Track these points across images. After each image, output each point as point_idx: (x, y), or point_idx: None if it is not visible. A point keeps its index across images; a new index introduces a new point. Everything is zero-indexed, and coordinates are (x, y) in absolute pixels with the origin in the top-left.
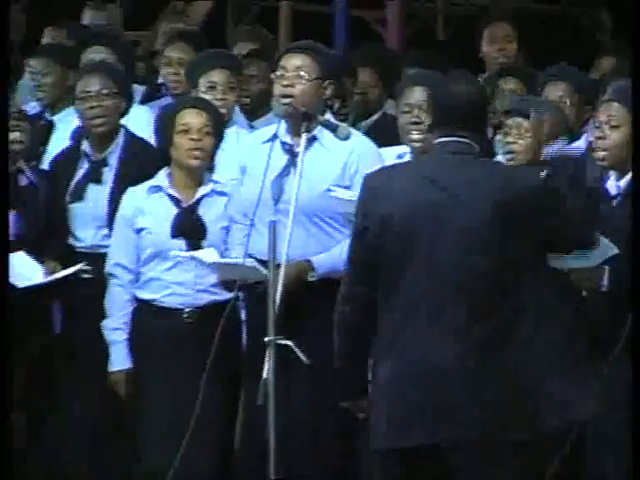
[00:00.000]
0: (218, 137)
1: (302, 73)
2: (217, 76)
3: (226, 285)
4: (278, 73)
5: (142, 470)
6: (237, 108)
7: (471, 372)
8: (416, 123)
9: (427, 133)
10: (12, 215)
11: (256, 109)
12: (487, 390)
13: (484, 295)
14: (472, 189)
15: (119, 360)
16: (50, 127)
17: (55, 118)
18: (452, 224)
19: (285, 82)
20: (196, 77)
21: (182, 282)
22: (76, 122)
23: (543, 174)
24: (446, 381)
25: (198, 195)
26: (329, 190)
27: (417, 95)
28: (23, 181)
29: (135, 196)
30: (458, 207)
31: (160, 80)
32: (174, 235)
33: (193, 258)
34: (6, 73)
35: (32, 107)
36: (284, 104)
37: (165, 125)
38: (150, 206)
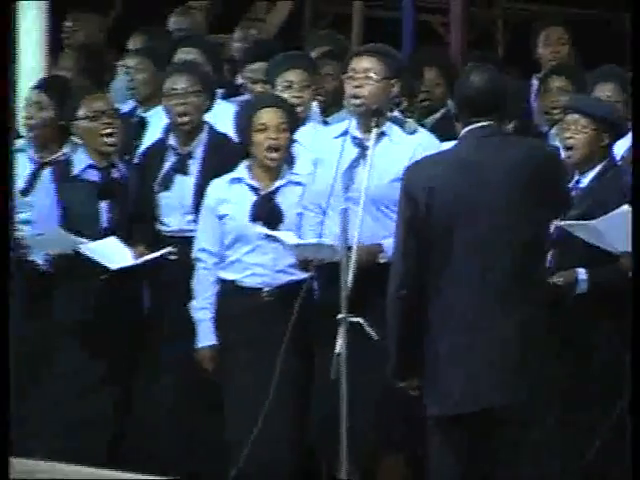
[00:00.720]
0: (293, 131)
1: (370, 74)
2: (293, 76)
3: (302, 266)
4: (348, 74)
5: (225, 439)
6: (314, 105)
7: (515, 342)
8: None
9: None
10: (104, 204)
11: (330, 106)
12: (532, 358)
13: (523, 267)
14: (499, 166)
15: (205, 337)
16: (142, 123)
17: (147, 115)
18: (486, 203)
19: (355, 83)
20: (274, 77)
21: (261, 264)
22: (165, 118)
23: None
24: (496, 351)
25: (276, 185)
26: (398, 180)
27: None
28: (115, 173)
29: (218, 187)
30: (488, 185)
31: (240, 81)
32: (253, 220)
33: (275, 238)
34: (6, 73)
35: (125, 106)
36: (355, 103)
37: (244, 123)
38: (231, 195)
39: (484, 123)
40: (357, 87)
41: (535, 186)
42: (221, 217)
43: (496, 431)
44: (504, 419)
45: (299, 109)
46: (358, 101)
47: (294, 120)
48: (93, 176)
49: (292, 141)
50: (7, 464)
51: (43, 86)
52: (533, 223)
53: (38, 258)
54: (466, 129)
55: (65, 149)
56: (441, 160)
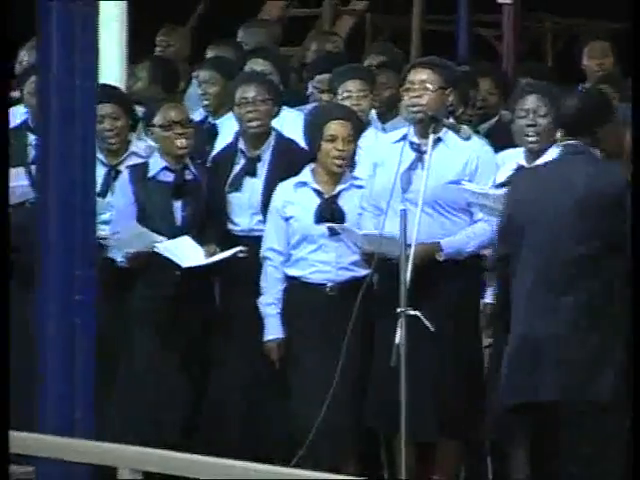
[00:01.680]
0: (357, 140)
1: (427, 85)
2: (352, 85)
3: (366, 260)
4: (407, 86)
5: (293, 422)
6: (373, 113)
7: (566, 339)
8: (531, 126)
9: (540, 135)
10: (178, 203)
11: (386, 112)
12: (579, 356)
13: (576, 276)
14: (571, 183)
15: (273, 330)
16: (213, 130)
17: (218, 122)
18: (553, 215)
19: (413, 94)
20: (336, 86)
21: (325, 261)
22: (235, 125)
23: None
24: (552, 346)
25: (338, 188)
26: (453, 183)
27: (532, 101)
28: (188, 175)
29: (284, 190)
30: (558, 200)
31: (309, 90)
32: (317, 222)
33: (339, 237)
34: (6, 74)
35: (198, 114)
36: (413, 112)
37: (314, 132)
38: (297, 198)
39: (573, 142)
40: (415, 97)
41: (596, 208)
42: (287, 219)
43: (569, 421)
44: (576, 410)
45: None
46: (416, 109)
47: (359, 131)
48: (168, 177)
49: (355, 149)
50: (7, 438)
51: (116, 97)
52: (588, 241)
53: (116, 255)
54: (557, 145)
55: (132, 148)
56: (533, 173)
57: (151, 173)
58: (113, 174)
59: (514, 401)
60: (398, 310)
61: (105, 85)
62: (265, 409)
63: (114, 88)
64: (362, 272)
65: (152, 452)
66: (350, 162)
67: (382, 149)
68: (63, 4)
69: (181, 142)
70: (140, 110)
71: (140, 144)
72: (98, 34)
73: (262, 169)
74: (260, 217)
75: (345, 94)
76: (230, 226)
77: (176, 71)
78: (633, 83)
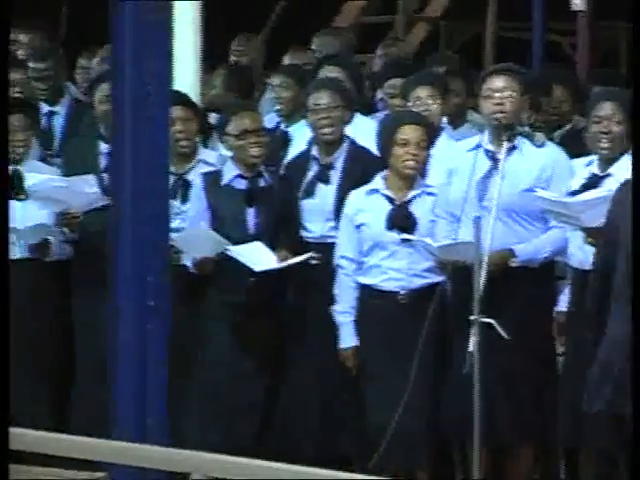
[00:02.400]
0: (430, 147)
1: (508, 92)
2: (422, 91)
3: (440, 267)
4: (486, 93)
5: (367, 428)
6: (444, 120)
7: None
8: (605, 133)
9: (614, 143)
10: (251, 210)
11: (454, 119)
12: None
13: None
14: None
15: (348, 338)
16: (286, 138)
17: (290, 129)
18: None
19: (494, 101)
20: (408, 93)
21: (397, 268)
22: (307, 132)
23: None
24: (622, 355)
25: (410, 195)
26: (528, 190)
27: (607, 108)
28: (261, 182)
29: (356, 197)
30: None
31: (379, 96)
32: (389, 228)
33: (411, 244)
34: (6, 74)
35: (271, 121)
36: (494, 119)
37: (387, 137)
38: (368, 205)
39: None
40: (497, 105)
41: None
42: (359, 226)
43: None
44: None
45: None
46: (498, 116)
47: (432, 137)
48: (241, 185)
49: (428, 156)
50: (7, 435)
51: (187, 101)
52: None
53: (188, 262)
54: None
55: (200, 156)
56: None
57: (224, 180)
58: (180, 182)
59: (603, 408)
60: (472, 318)
61: (175, 90)
62: (339, 415)
63: (184, 93)
64: (435, 279)
65: (224, 458)
66: (422, 168)
67: (456, 157)
68: (136, 10)
69: (255, 151)
70: (214, 118)
71: (211, 153)
72: (172, 40)
73: (335, 176)
74: (332, 224)
75: (416, 100)
76: (303, 233)
77: (251, 79)
78: (633, 79)
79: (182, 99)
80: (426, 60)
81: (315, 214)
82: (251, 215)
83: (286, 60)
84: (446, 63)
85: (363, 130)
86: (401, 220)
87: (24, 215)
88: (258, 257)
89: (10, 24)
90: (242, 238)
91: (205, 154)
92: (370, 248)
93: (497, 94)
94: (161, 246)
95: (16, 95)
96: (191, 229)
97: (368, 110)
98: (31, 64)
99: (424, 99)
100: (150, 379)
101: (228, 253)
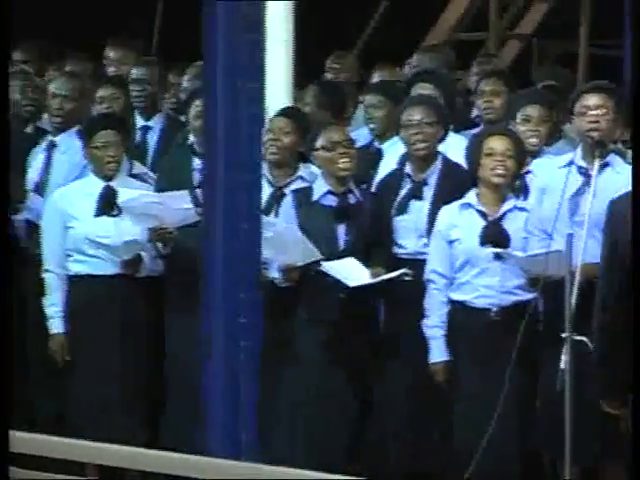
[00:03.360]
0: (521, 161)
1: (603, 110)
2: (532, 110)
3: (532, 283)
4: (580, 110)
5: (456, 444)
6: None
7: None
8: None
9: None
10: (341, 228)
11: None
12: None
13: None
14: None
15: (438, 353)
16: (378, 154)
17: (382, 146)
18: None
19: (588, 119)
20: (514, 110)
21: (489, 285)
22: (400, 149)
23: None
24: None
25: (502, 210)
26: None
27: None
28: (352, 199)
29: (449, 213)
30: None
31: (475, 113)
32: (482, 244)
33: (503, 260)
34: (6, 74)
35: (364, 137)
36: (588, 136)
37: (475, 149)
38: (461, 220)
39: None
40: (592, 122)
41: None
42: (451, 241)
43: None
44: None
45: (534, 141)
46: (595, 134)
47: (521, 149)
48: (331, 201)
49: (519, 170)
50: (7, 438)
51: (286, 113)
52: None
53: (276, 274)
54: None
55: (300, 172)
56: None
57: (315, 197)
58: (278, 194)
59: None
60: (564, 335)
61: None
62: (428, 430)
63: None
64: (526, 296)
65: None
66: (510, 179)
67: (548, 174)
68: (229, 29)
69: (344, 162)
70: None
71: (310, 171)
72: (265, 58)
73: (428, 192)
74: (426, 240)
75: (524, 118)
76: (396, 249)
77: (343, 96)
78: (633, 80)
79: (288, 112)
80: (533, 74)
81: (408, 231)
82: (341, 232)
83: (375, 78)
84: (557, 78)
85: (455, 147)
86: (494, 236)
87: (117, 231)
88: (352, 273)
89: (10, 24)
90: (332, 255)
91: (305, 171)
92: (462, 264)
93: (592, 112)
94: (252, 262)
95: (105, 111)
96: (283, 232)
97: (464, 127)
98: (133, 74)
99: (534, 118)
100: (243, 395)
101: (321, 269)
